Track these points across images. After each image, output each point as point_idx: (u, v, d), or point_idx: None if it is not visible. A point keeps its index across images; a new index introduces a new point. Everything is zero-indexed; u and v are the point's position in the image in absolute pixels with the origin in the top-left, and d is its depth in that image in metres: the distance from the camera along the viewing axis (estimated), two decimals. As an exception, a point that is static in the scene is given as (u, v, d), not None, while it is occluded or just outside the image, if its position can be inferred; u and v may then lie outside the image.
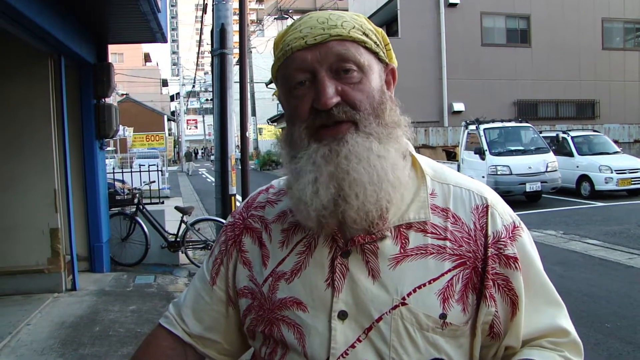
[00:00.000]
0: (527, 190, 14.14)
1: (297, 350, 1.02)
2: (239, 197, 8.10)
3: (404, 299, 0.98)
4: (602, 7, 23.52)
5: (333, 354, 0.98)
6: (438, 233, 1.02)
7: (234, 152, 8.19)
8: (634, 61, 24.21)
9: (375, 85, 1.02)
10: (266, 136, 49.81)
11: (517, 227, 1.07)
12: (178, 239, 7.95)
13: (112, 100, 8.15)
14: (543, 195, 14.79)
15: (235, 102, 8.24)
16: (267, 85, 40.20)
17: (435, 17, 21.61)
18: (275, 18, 30.18)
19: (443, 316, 0.98)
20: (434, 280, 0.99)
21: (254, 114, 34.13)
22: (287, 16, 28.44)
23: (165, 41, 7.75)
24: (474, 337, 1.03)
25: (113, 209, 8.01)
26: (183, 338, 1.17)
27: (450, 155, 17.25)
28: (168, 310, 1.23)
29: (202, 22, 20.17)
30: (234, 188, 8.03)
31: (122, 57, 51.80)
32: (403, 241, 1.01)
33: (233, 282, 1.15)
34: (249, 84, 34.83)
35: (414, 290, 0.98)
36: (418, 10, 21.50)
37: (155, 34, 7.13)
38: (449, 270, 1.00)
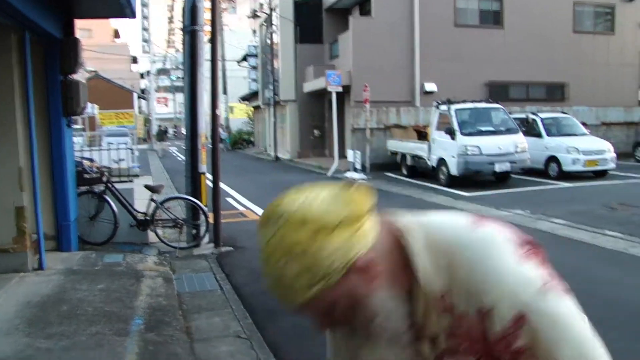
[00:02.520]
0: (497, 170, 14.32)
1: None
2: (209, 176, 8.04)
3: None
4: (573, -9, 23.75)
5: None
6: (459, 338, 1.08)
7: (204, 131, 8.11)
8: (604, 45, 24.50)
9: (352, 301, 1.06)
10: (237, 114, 49.47)
11: (525, 313, 1.01)
12: (147, 218, 7.88)
13: (81, 76, 7.97)
14: (512, 175, 14.99)
15: (206, 80, 8.14)
16: (238, 63, 39.81)
17: (409, -2, 21.57)
18: (247, -5, 29.75)
19: None
20: None
21: (225, 92, 33.83)
22: (259, -7, 28.05)
23: (134, 16, 7.59)
24: None
25: (81, 187, 7.89)
26: None
27: (421, 135, 17.34)
28: None
29: (172, -2, 19.84)
30: (203, 166, 7.97)
31: (91, 33, 50.61)
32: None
33: None
34: (220, 61, 34.35)
35: None
36: (391, -10, 21.43)
37: (124, 9, 6.97)
38: None
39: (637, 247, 7.44)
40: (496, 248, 1.05)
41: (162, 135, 35.25)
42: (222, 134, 32.03)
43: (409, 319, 1.09)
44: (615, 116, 22.79)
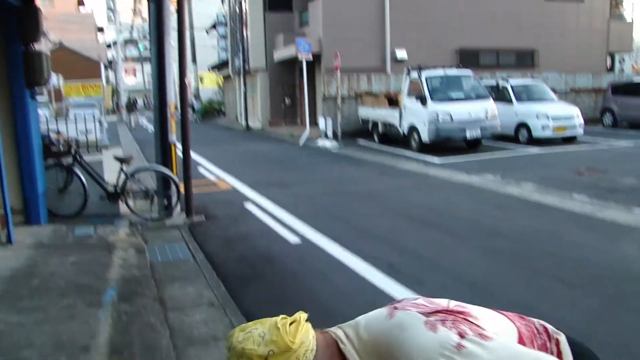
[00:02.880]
0: (467, 137, 14.43)
1: None
2: (179, 145, 7.94)
3: None
4: (543, -43, 23.74)
5: None
6: None
7: (173, 100, 7.99)
8: (573, 12, 24.63)
9: None
10: (207, 84, 48.82)
11: None
12: (117, 189, 7.79)
13: (45, 47, 7.75)
14: (483, 141, 15.13)
15: (174, 50, 7.99)
16: (207, 32, 39.20)
17: (379, -37, 21.34)
18: (215, -38, 29.10)
19: None
20: None
21: (194, 61, 33.31)
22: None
23: (97, -17, 7.37)
24: None
25: (49, 160, 7.74)
26: None
27: (392, 102, 17.34)
28: None
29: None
30: (173, 136, 7.86)
31: (53, 2, 49.19)
32: None
33: None
34: (188, 30, 33.76)
35: None
36: (362, -45, 21.17)
37: (86, -25, 6.77)
38: None
39: (604, 211, 7.61)
40: (409, 327, 1.31)
41: (131, 106, 32.77)
42: (194, 103, 31.21)
43: None
44: (584, 82, 23.06)
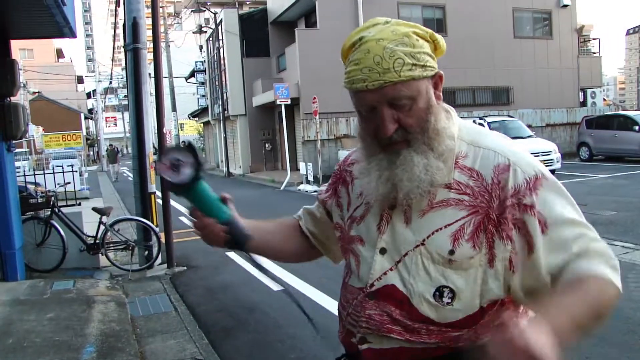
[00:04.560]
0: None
1: (355, 272, 1.45)
2: (159, 194, 7.89)
3: (424, 240, 1.32)
4: (512, -3, 24.47)
5: (371, 277, 1.38)
6: (459, 189, 1.32)
7: (151, 149, 7.97)
8: (543, 49, 25.28)
9: (424, 105, 1.31)
10: (188, 131, 48.97)
11: (539, 179, 1.29)
12: (97, 241, 7.69)
13: (24, 98, 7.73)
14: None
15: (152, 98, 8.02)
16: (186, 80, 39.47)
17: (353, 8, 21.75)
18: (192, 11, 29.56)
19: (451, 252, 1.29)
20: (449, 225, 1.30)
21: (174, 109, 33.38)
22: (204, 9, 27.91)
23: (74, 36, 7.42)
24: (494, 270, 1.29)
25: (27, 213, 7.64)
26: (304, 230, 1.73)
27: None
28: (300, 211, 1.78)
29: (116, 15, 19.56)
30: (153, 186, 7.82)
31: (32, 52, 49.42)
32: (431, 196, 1.32)
33: (330, 213, 1.64)
34: (168, 78, 34.02)
35: (432, 233, 1.31)
36: (336, 1, 21.57)
37: (62, 29, 6.81)
38: (462, 218, 1.30)
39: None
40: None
41: (114, 156, 29.26)
42: None
43: None
44: (559, 117, 23.53)
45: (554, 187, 1.31)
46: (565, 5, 25.65)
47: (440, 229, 1.31)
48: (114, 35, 24.82)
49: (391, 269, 1.35)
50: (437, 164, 1.31)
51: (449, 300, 1.30)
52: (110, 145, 31.10)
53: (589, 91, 27.85)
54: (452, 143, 1.34)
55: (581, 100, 27.19)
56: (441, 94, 1.38)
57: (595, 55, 30.69)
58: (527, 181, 1.28)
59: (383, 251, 1.37)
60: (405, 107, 1.28)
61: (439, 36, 1.38)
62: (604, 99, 35.85)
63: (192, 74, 36.96)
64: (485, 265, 1.29)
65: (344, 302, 1.49)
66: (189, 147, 1.40)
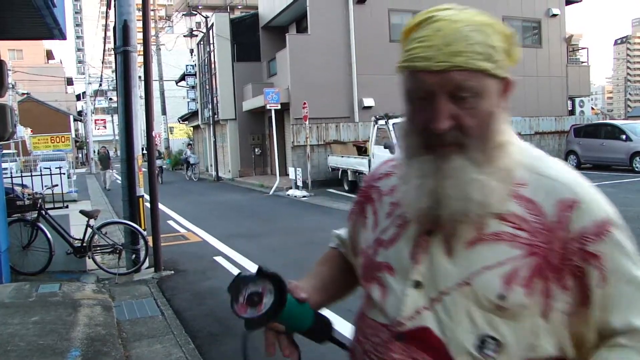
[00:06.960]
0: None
1: (378, 305, 1.22)
2: (147, 197, 7.86)
3: (469, 277, 1.10)
4: (502, 6, 24.58)
5: (401, 314, 1.15)
6: (515, 223, 1.11)
7: (140, 153, 7.94)
8: (532, 58, 25.47)
9: (489, 108, 1.10)
10: (177, 135, 48.83)
11: (609, 223, 1.11)
12: (84, 244, 7.64)
13: (12, 99, 7.68)
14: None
15: (142, 101, 8.00)
16: (177, 83, 39.40)
17: (345, 14, 21.81)
18: (183, 14, 29.54)
19: (502, 297, 1.08)
20: (501, 264, 1.09)
21: (164, 112, 33.33)
22: (196, 12, 27.90)
23: (64, 38, 7.40)
24: (548, 323, 1.10)
25: (13, 215, 7.58)
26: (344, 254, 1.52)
27: (361, 150, 17.50)
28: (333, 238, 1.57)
29: (106, 17, 19.45)
30: (141, 189, 7.79)
31: (22, 53, 49.13)
32: (482, 226, 1.11)
33: (356, 239, 1.41)
34: (158, 82, 33.93)
35: (481, 271, 1.09)
36: (327, 7, 21.62)
37: (52, 30, 6.80)
38: (517, 257, 1.09)
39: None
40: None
41: (106, 161, 24.43)
42: (191, 157, 29.04)
43: None
44: (548, 126, 23.68)
45: (624, 237, 1.12)
46: (555, 15, 25.89)
47: (490, 267, 1.09)
48: (105, 38, 24.65)
49: (426, 308, 1.13)
50: (494, 185, 1.11)
51: (493, 354, 1.09)
52: (103, 147, 26.40)
53: (577, 100, 28.06)
54: (512, 164, 1.15)
55: (570, 108, 27.39)
56: (508, 105, 1.19)
57: (583, 64, 30.91)
58: (595, 224, 1.10)
59: (418, 285, 1.15)
60: (467, 103, 1.08)
61: (516, 42, 1.19)
62: (592, 108, 36.11)
63: (182, 78, 36.93)
64: (539, 316, 1.10)
65: (360, 337, 1.30)
66: (262, 274, 1.19)
